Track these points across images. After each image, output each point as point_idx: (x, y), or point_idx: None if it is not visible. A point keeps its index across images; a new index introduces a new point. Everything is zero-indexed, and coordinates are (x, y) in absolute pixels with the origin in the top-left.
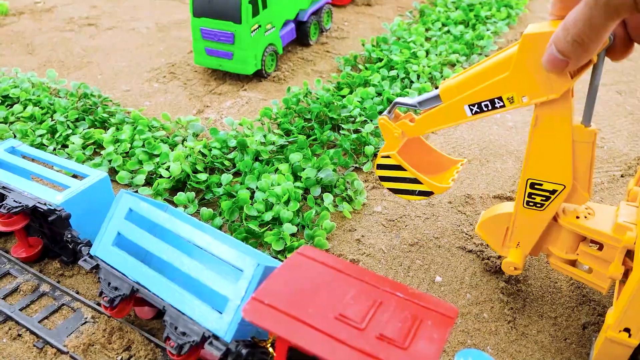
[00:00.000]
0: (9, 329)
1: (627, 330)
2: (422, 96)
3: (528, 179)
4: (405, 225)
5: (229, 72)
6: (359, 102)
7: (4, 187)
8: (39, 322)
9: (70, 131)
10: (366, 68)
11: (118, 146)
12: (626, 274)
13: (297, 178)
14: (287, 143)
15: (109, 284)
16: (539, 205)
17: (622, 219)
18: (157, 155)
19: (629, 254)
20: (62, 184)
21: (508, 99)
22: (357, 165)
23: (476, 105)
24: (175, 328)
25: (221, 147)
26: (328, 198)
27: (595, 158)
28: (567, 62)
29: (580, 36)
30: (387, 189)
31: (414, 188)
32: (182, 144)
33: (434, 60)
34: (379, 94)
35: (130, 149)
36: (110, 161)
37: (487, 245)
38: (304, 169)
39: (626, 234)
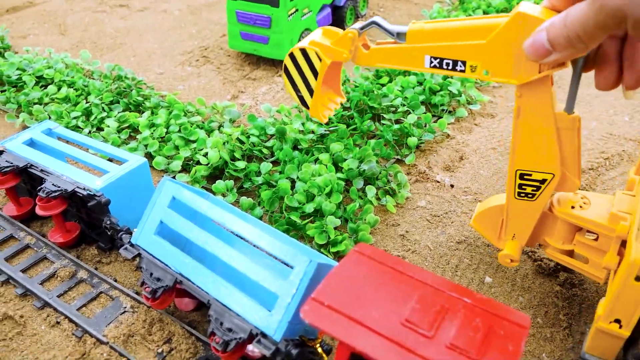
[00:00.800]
0: (48, 316)
1: (617, 321)
2: (396, 28)
3: (517, 170)
4: (451, 221)
5: (263, 57)
6: (400, 91)
7: (42, 171)
8: (78, 309)
9: (105, 114)
10: None
11: (154, 130)
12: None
13: (337, 169)
14: (327, 132)
15: (151, 274)
16: (530, 196)
17: (617, 208)
18: (194, 141)
19: (625, 244)
20: (100, 168)
21: (471, 66)
22: (399, 157)
23: (438, 60)
24: (221, 324)
25: (259, 135)
26: (371, 191)
27: (581, 144)
28: (550, 53)
29: (577, 35)
30: (285, 73)
31: (302, 93)
32: (219, 130)
33: None
34: (420, 83)
35: (166, 133)
36: (146, 146)
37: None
38: (345, 160)
39: (619, 223)
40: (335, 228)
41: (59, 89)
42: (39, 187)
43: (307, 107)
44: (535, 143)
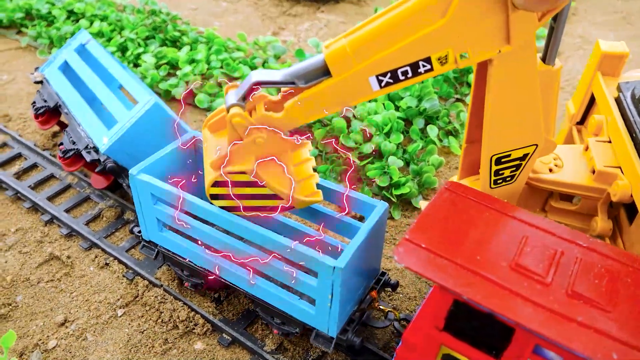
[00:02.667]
0: (96, 257)
1: None
2: (295, 68)
3: (492, 156)
4: None
5: None
6: None
7: (67, 114)
8: (126, 251)
9: (141, 49)
10: None
11: (194, 67)
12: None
13: (395, 108)
14: None
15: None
16: (509, 179)
17: (601, 163)
18: (237, 78)
19: (613, 204)
20: (112, 118)
21: (439, 59)
22: (458, 96)
23: (388, 75)
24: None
25: None
26: (433, 130)
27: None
28: None
29: None
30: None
31: (266, 204)
32: (263, 66)
33: None
34: None
35: (207, 70)
36: (187, 82)
37: None
38: (402, 98)
39: (616, 183)
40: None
41: (91, 23)
42: (60, 143)
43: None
44: (516, 115)
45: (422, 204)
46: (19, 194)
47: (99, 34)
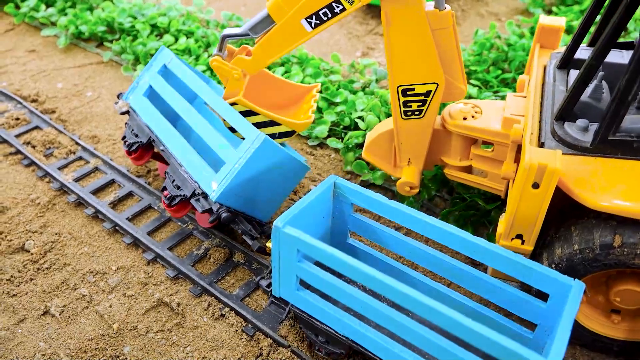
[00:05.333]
0: (209, 305)
1: (519, 236)
2: (250, 21)
3: (398, 87)
4: None
5: None
6: None
7: (163, 151)
8: (241, 300)
9: None
10: (559, 9)
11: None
12: None
13: None
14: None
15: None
16: (417, 113)
17: (509, 111)
18: (337, 104)
19: (521, 149)
20: (216, 155)
21: None
22: None
23: (314, 16)
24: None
25: None
26: None
27: (459, 43)
28: None
29: None
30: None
31: (274, 131)
32: (363, 91)
33: None
34: None
35: None
36: None
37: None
38: None
39: (513, 127)
40: None
41: (176, 39)
42: (163, 187)
43: (293, 132)
44: (411, 51)
45: None
46: (117, 227)
47: (185, 51)
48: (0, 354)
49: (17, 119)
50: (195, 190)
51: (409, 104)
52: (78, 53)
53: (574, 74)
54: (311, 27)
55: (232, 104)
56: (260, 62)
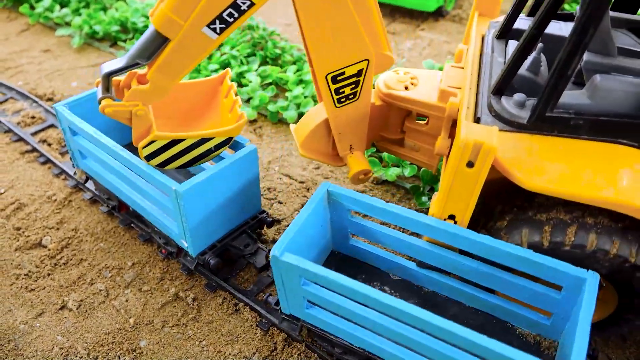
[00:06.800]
0: (223, 300)
1: (452, 217)
2: (135, 47)
3: (326, 76)
4: None
5: (399, 8)
6: None
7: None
8: (255, 296)
9: (245, 67)
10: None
11: (304, 88)
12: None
13: None
14: None
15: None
16: (352, 96)
17: (446, 83)
18: None
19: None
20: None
21: None
22: None
23: (217, 21)
24: None
25: None
26: None
27: (379, 9)
28: None
29: None
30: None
31: (208, 147)
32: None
33: None
34: None
35: None
36: (298, 105)
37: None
38: None
39: (449, 100)
40: None
41: None
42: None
43: (230, 138)
44: (331, 33)
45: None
46: (132, 224)
47: None
48: (19, 347)
49: (33, 117)
50: (179, 247)
51: (341, 90)
52: (92, 52)
53: (512, 44)
54: (216, 33)
55: (150, 143)
56: (162, 89)
